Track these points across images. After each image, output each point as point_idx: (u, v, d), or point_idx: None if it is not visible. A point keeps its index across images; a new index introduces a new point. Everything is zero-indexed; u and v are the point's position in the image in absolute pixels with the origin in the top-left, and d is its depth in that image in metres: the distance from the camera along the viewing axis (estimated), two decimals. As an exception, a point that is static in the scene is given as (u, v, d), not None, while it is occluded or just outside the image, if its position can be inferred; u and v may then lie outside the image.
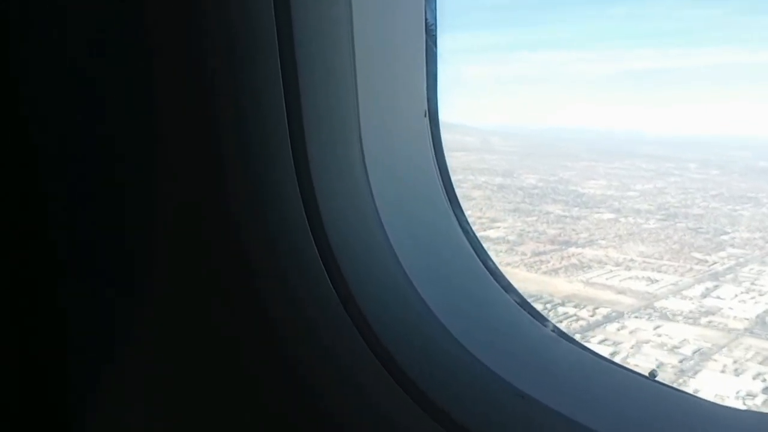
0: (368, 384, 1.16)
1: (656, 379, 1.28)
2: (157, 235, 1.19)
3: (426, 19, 1.33)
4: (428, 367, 1.17)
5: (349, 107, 1.19)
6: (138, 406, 1.29)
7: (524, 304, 1.38)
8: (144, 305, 1.23)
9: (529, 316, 1.37)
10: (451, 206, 1.43)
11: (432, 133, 1.41)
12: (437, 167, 1.42)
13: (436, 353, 1.21)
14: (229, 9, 1.07)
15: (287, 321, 1.17)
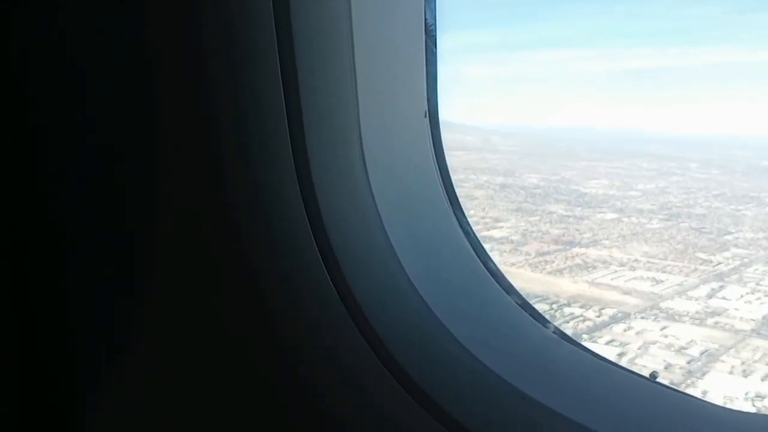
0: (369, 384, 1.16)
1: (657, 380, 1.28)
2: (157, 235, 1.19)
3: (426, 20, 1.33)
4: (429, 367, 1.17)
5: (349, 107, 1.19)
6: (138, 406, 1.29)
7: (525, 305, 1.38)
8: (144, 305, 1.23)
9: (530, 317, 1.37)
10: (452, 207, 1.43)
11: (432, 133, 1.41)
12: (437, 168, 1.42)
13: (436, 353, 1.20)
14: (228, 9, 1.07)
15: (288, 321, 1.17)
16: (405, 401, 1.14)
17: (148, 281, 1.22)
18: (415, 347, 1.19)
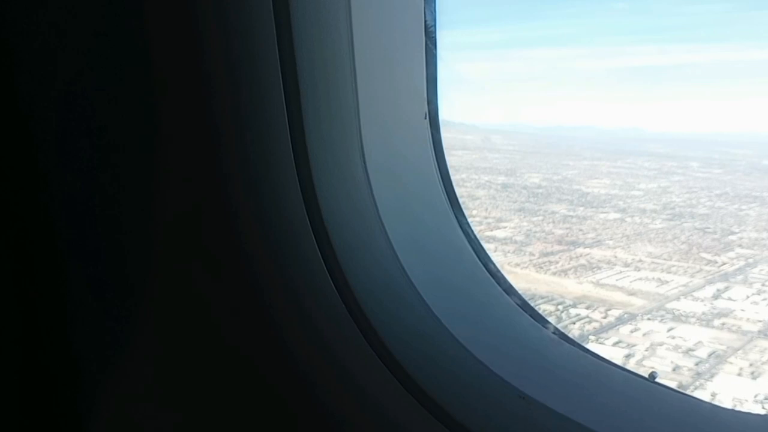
0: (369, 383, 1.16)
1: (656, 380, 1.28)
2: (157, 235, 1.19)
3: (425, 21, 1.33)
4: (429, 366, 1.17)
5: (349, 107, 1.19)
6: (138, 405, 1.29)
7: (525, 306, 1.38)
8: (144, 305, 1.23)
9: (530, 318, 1.37)
10: (452, 208, 1.43)
11: (432, 135, 1.41)
12: (438, 169, 1.42)
13: (436, 353, 1.21)
14: (228, 9, 1.07)
15: (288, 321, 1.18)
16: (405, 401, 1.14)
17: (148, 281, 1.22)
18: (415, 347, 1.19)
